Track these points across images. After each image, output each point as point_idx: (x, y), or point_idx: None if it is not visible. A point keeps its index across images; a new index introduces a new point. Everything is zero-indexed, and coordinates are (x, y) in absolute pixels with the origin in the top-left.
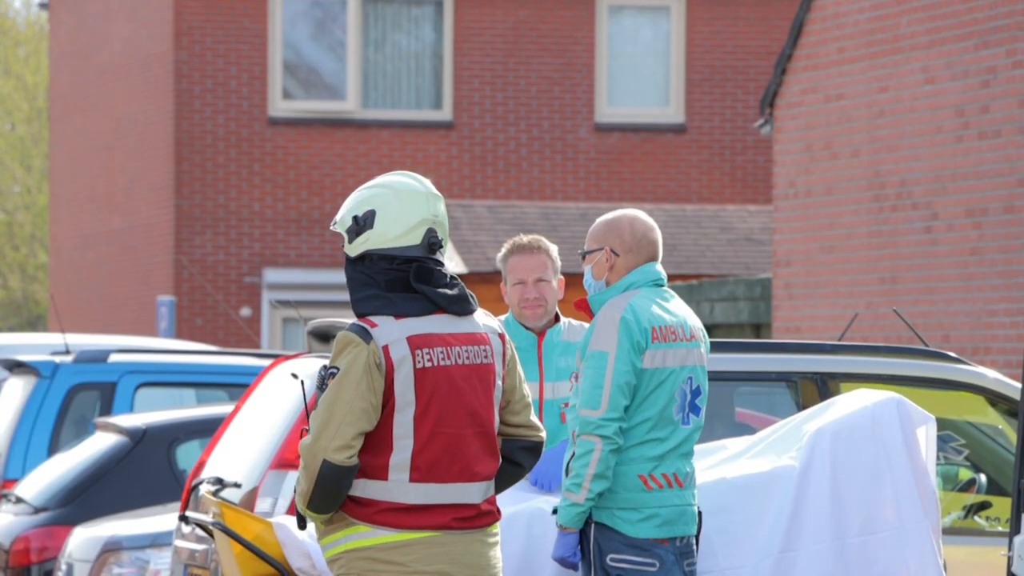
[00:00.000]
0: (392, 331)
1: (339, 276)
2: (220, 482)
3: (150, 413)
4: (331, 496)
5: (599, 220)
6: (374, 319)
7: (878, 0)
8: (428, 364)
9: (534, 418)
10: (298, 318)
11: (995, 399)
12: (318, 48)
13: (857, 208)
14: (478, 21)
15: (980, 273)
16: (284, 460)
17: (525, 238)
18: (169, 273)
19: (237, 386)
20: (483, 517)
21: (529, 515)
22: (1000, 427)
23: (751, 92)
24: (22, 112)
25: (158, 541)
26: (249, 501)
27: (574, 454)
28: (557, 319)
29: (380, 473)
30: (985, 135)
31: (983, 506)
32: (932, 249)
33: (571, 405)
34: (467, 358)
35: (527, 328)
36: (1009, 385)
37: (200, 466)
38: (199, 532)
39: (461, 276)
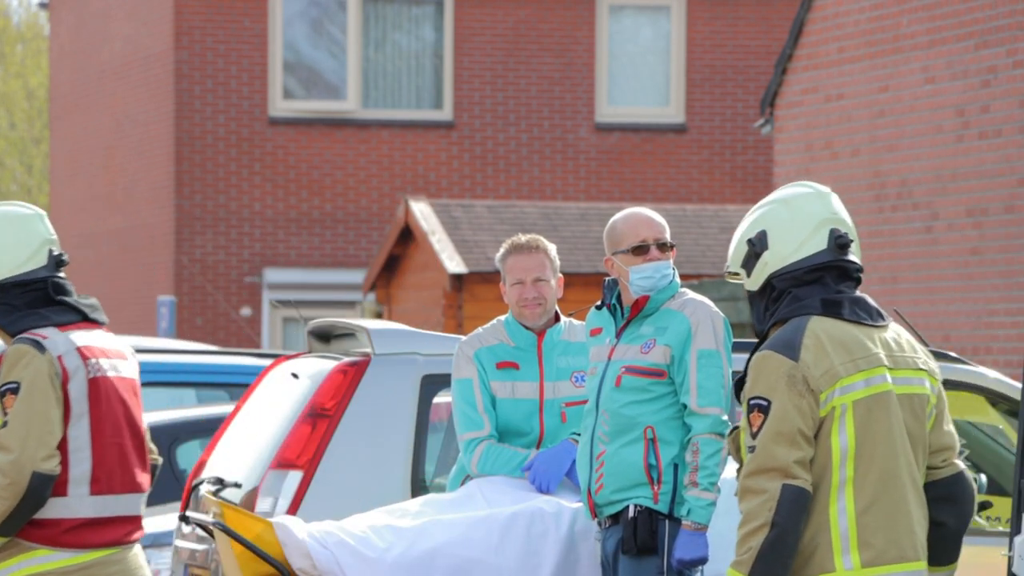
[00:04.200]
0: (62, 342)
1: (340, 276)
2: (220, 482)
3: (150, 413)
4: (32, 510)
5: (660, 217)
6: (41, 331)
7: (878, 0)
8: (98, 374)
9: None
10: (298, 318)
11: (995, 399)
12: (318, 48)
13: (857, 208)
14: (478, 21)
15: (980, 273)
16: (285, 460)
17: (523, 238)
18: (169, 273)
19: (237, 386)
20: (139, 531)
21: (530, 515)
22: (1000, 427)
23: (751, 92)
24: (23, 111)
25: (159, 541)
26: (249, 501)
27: (699, 451)
28: (557, 318)
29: (60, 489)
30: (985, 135)
31: (984, 506)
32: (932, 249)
33: (628, 402)
34: (123, 371)
35: (527, 328)
36: (1009, 385)
37: (200, 466)
38: (199, 532)
39: (462, 276)
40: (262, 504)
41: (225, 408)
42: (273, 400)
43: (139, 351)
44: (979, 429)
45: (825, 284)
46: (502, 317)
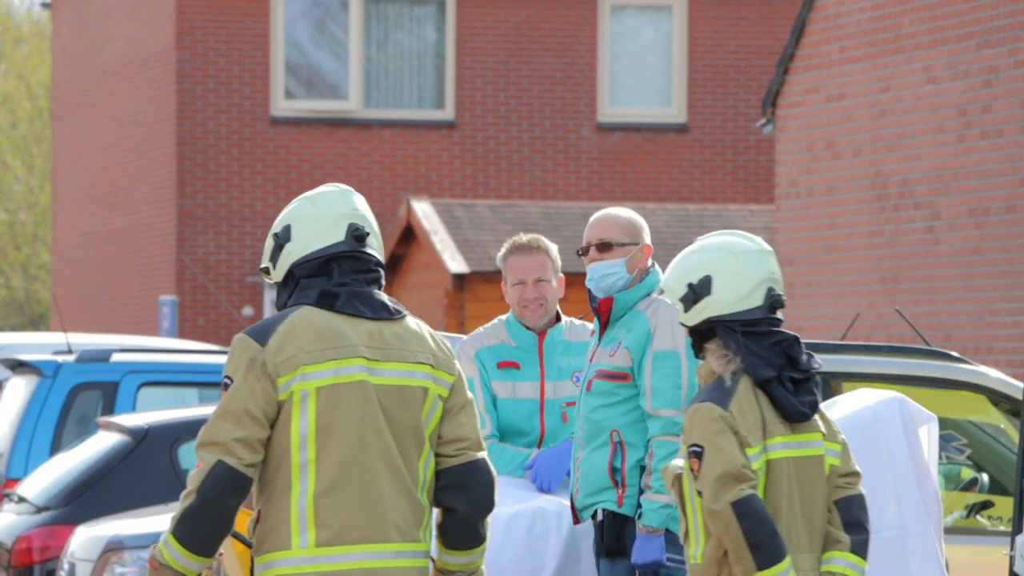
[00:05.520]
0: None
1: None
2: None
3: (152, 412)
4: None
5: (620, 214)
6: None
7: (880, 0)
8: None
9: None
10: None
11: (997, 398)
12: (320, 48)
13: (859, 208)
14: (480, 20)
15: (982, 272)
16: None
17: (524, 238)
18: (171, 272)
19: None
20: None
21: (531, 514)
22: (1002, 426)
23: (753, 92)
24: (24, 111)
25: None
26: (250, 500)
27: (653, 454)
28: (558, 318)
29: None
30: (987, 135)
31: (985, 505)
32: (934, 248)
33: (596, 406)
34: None
35: (528, 328)
36: (1011, 384)
37: None
38: None
39: (463, 275)
40: None
41: None
42: None
43: (141, 351)
44: (981, 428)
45: (331, 276)
46: (503, 317)
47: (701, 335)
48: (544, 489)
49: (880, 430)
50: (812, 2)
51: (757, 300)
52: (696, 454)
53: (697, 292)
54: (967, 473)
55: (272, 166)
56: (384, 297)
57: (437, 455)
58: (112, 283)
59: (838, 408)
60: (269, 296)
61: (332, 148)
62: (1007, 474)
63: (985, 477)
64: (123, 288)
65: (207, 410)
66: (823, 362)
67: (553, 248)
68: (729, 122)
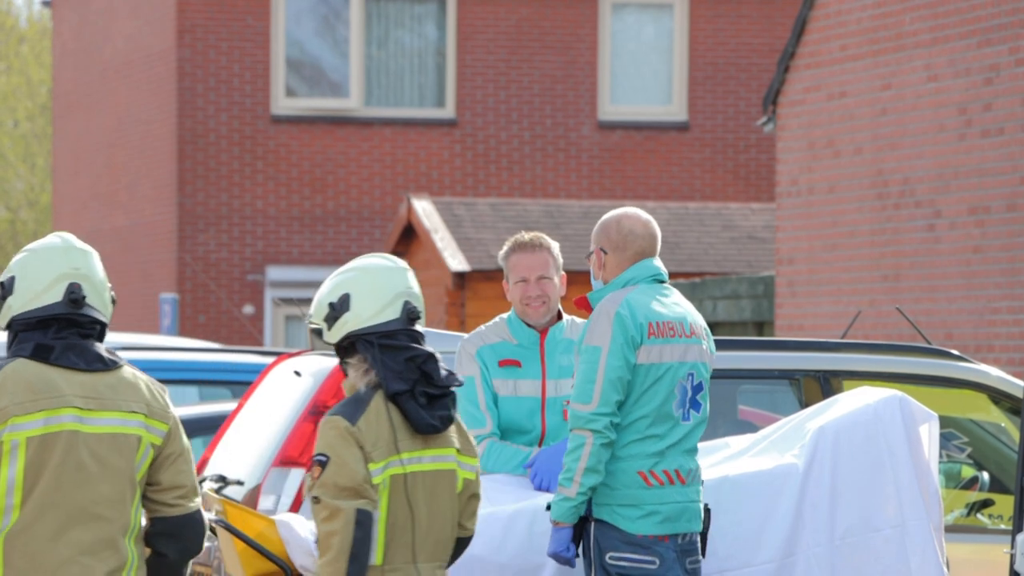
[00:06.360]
0: None
1: None
2: (223, 479)
3: None
4: None
5: (599, 221)
6: None
7: None
8: None
9: None
10: (301, 315)
11: (998, 397)
12: (321, 45)
13: (860, 206)
14: (481, 19)
15: (983, 271)
16: (287, 457)
17: (527, 236)
18: (172, 271)
19: (240, 383)
20: None
21: (532, 513)
22: (1003, 425)
23: (754, 90)
24: (26, 109)
25: None
26: (252, 498)
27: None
28: (560, 317)
29: None
30: (988, 133)
31: (985, 504)
32: (935, 247)
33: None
34: None
35: (529, 326)
36: (1012, 383)
37: (203, 463)
38: None
39: (464, 273)
40: (265, 502)
41: (228, 406)
42: (275, 398)
43: (142, 349)
44: (981, 427)
45: (47, 331)
46: (504, 315)
47: (345, 351)
48: (544, 488)
49: (881, 428)
50: (813, 0)
51: (394, 313)
52: (320, 463)
53: (337, 310)
54: (968, 471)
55: (273, 164)
56: (100, 348)
57: (153, 501)
58: (113, 281)
59: (839, 407)
60: (271, 294)
61: (333, 146)
62: (1008, 472)
63: (986, 475)
64: (124, 286)
65: (208, 408)
66: (823, 361)
67: (555, 246)
68: (730, 120)
